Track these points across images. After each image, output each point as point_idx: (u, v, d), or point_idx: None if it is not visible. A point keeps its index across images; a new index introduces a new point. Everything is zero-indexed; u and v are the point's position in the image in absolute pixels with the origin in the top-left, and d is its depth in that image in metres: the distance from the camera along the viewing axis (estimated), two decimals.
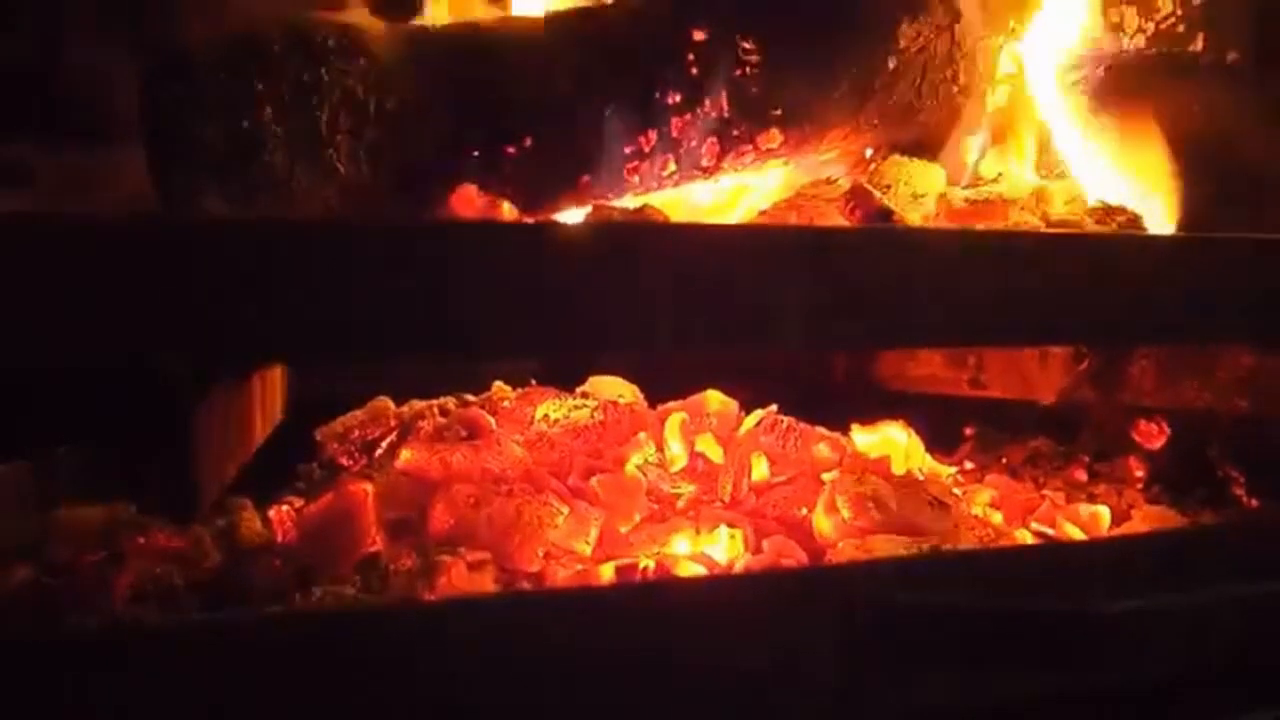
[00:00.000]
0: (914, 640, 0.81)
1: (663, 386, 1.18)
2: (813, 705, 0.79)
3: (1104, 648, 0.83)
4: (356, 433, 1.10)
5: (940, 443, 1.27)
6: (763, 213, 1.09)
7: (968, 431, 1.35)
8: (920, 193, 1.11)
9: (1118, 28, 1.19)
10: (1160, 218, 1.15)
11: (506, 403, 1.14)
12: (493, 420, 1.08)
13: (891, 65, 1.11)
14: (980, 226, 1.06)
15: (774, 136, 1.07)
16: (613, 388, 1.17)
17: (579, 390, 1.16)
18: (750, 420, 1.12)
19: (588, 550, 0.93)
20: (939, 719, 0.83)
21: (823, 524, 0.96)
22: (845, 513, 0.95)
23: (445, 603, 0.82)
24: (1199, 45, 1.15)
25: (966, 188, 1.17)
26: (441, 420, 1.10)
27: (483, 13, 1.16)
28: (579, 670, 0.73)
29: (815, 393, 1.21)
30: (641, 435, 1.08)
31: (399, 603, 0.83)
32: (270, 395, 1.20)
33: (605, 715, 0.75)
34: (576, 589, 0.89)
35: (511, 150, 1.01)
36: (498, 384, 1.17)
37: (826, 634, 0.78)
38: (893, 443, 1.14)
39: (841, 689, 0.79)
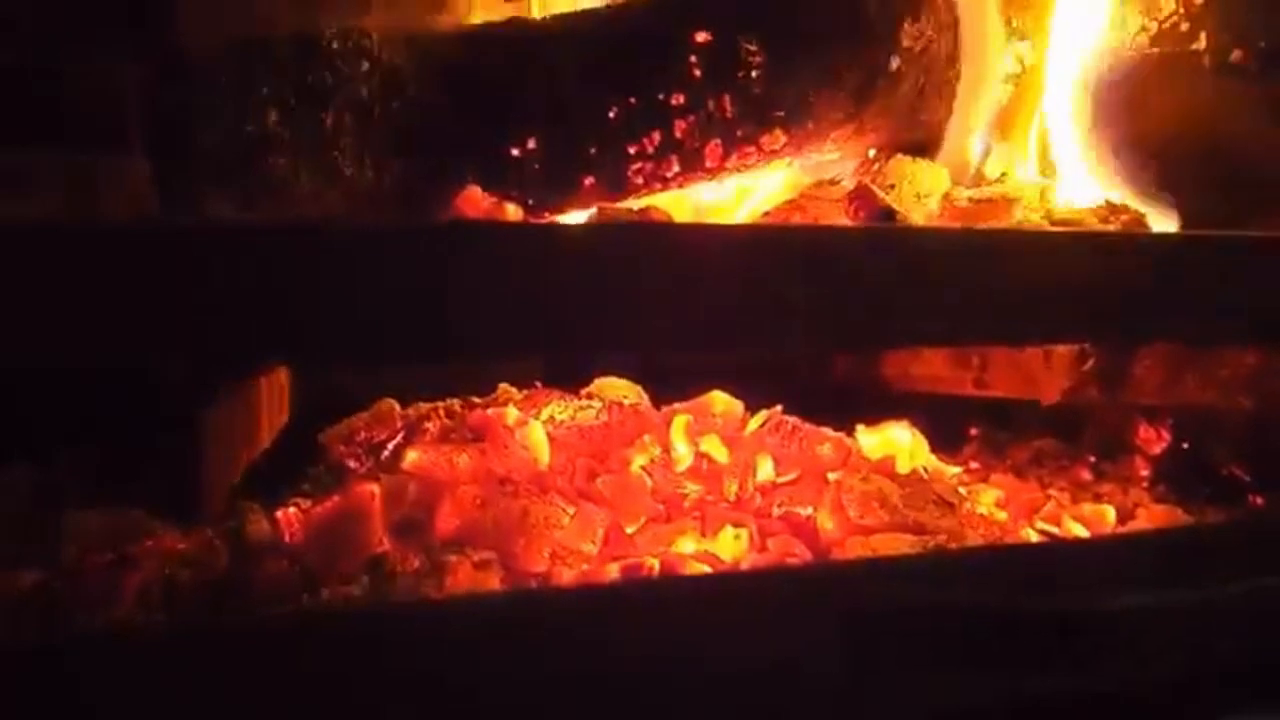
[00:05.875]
0: (919, 639, 0.81)
1: (668, 388, 1.18)
2: (817, 704, 0.80)
3: (1109, 646, 0.83)
4: (362, 435, 1.10)
5: (945, 443, 1.27)
6: (766, 213, 1.10)
7: (972, 431, 1.35)
8: (924, 193, 1.11)
9: (1120, 27, 1.19)
10: (1163, 216, 1.15)
11: (512, 405, 1.14)
12: (499, 422, 1.08)
13: (894, 65, 1.11)
14: (984, 226, 1.06)
15: (777, 137, 1.07)
16: (618, 389, 1.17)
17: (584, 392, 1.16)
18: (755, 421, 1.12)
19: (593, 550, 0.93)
20: (944, 718, 0.83)
21: (828, 523, 0.96)
22: (851, 512, 0.95)
23: (452, 603, 0.83)
24: (1201, 44, 1.15)
25: (970, 187, 1.18)
26: (447, 422, 1.10)
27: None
28: (584, 670, 0.74)
29: (819, 393, 1.20)
30: (647, 436, 1.08)
31: (406, 603, 0.83)
32: (276, 398, 1.21)
33: (610, 714, 0.75)
34: (582, 589, 0.89)
35: (516, 152, 1.01)
36: (503, 386, 1.17)
37: (831, 633, 0.79)
38: (897, 443, 1.14)
39: (846, 687, 0.79)
